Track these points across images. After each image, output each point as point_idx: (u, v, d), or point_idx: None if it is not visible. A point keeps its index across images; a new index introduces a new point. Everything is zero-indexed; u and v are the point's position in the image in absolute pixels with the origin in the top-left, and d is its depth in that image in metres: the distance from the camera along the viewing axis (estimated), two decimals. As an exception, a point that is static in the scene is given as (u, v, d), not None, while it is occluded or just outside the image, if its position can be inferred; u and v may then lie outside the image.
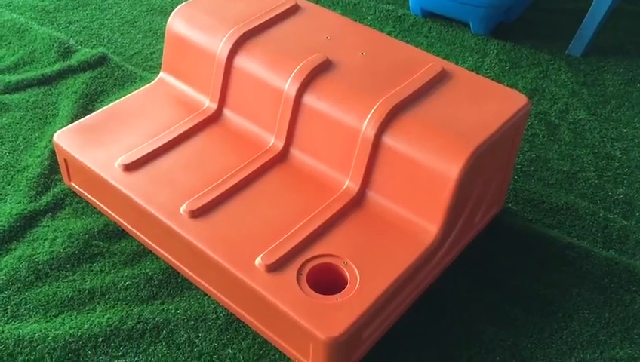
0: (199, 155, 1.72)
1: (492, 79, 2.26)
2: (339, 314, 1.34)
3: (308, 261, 1.45)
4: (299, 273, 1.42)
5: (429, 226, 1.50)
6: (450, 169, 1.45)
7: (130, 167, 1.67)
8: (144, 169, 1.68)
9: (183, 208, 1.56)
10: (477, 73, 2.29)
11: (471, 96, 1.61)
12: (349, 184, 1.60)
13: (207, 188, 1.61)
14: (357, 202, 1.58)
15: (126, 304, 1.54)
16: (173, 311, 1.53)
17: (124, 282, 1.59)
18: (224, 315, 1.52)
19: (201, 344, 1.46)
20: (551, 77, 2.33)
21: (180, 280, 1.60)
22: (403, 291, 1.47)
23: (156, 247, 1.64)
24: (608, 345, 1.49)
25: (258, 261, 1.43)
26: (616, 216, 1.81)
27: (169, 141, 1.74)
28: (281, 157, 1.70)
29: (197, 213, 1.55)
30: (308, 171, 1.66)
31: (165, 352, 1.45)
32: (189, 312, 1.52)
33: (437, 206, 1.48)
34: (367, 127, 1.56)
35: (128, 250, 1.67)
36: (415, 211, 1.52)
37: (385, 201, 1.56)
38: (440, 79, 1.65)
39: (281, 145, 1.71)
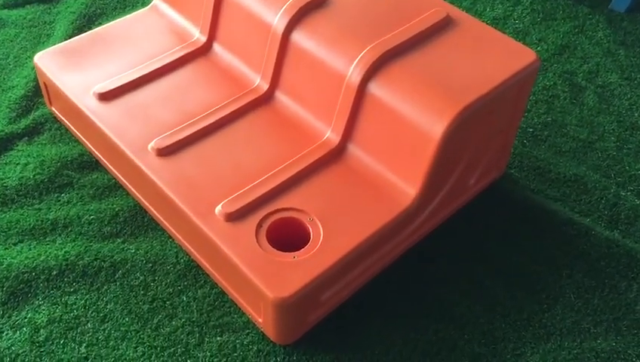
0: (180, 90, 1.62)
1: (519, 31, 2.08)
2: (293, 274, 1.25)
3: (271, 213, 1.35)
4: (259, 225, 1.33)
5: (407, 188, 1.37)
6: (433, 128, 1.31)
7: (105, 97, 1.59)
8: (120, 100, 1.59)
9: (151, 145, 1.47)
10: (505, 22, 2.12)
11: (473, 48, 1.45)
12: (330, 135, 1.48)
13: (181, 125, 1.52)
14: (336, 155, 1.46)
15: (87, 239, 1.48)
16: (133, 250, 1.46)
17: (89, 216, 1.53)
18: (184, 261, 1.45)
19: (155, 288, 1.40)
20: (586, 33, 2.11)
21: (145, 220, 1.53)
22: (372, 255, 1.36)
23: (125, 183, 1.57)
24: (591, 335, 1.36)
25: (218, 209, 1.34)
26: (629, 193, 1.64)
27: (151, 72, 1.65)
28: (265, 99, 1.59)
29: (164, 152, 1.46)
30: (290, 117, 1.54)
31: (118, 293, 1.39)
32: (149, 254, 1.46)
33: (417, 167, 1.35)
34: (353, 72, 1.42)
35: (99, 182, 1.61)
36: (395, 171, 1.39)
37: (365, 157, 1.43)
38: (442, 27, 1.49)
39: (266, 86, 1.59)
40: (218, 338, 1.33)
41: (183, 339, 1.32)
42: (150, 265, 1.44)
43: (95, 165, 1.65)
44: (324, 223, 1.34)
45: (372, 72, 1.41)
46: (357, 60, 1.43)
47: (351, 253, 1.29)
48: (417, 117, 1.34)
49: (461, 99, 1.33)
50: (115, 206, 1.56)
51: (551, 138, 1.77)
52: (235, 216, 1.34)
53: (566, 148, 1.75)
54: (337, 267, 1.28)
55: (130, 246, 1.47)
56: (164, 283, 1.41)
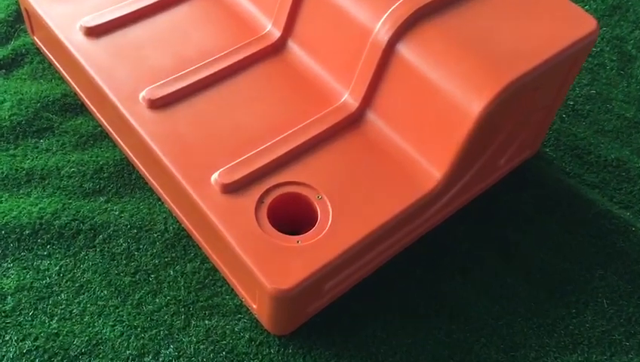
0: (179, 31, 1.41)
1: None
2: (295, 262, 1.09)
3: (274, 187, 1.18)
4: (260, 200, 1.16)
5: (432, 170, 1.20)
6: (470, 105, 1.12)
7: (92, 32, 1.38)
8: (109, 36, 1.39)
9: (142, 94, 1.28)
10: None
11: (523, 10, 1.24)
12: (348, 98, 1.29)
13: (178, 73, 1.32)
14: (352, 122, 1.28)
15: (65, 195, 1.32)
16: (117, 213, 1.30)
17: (69, 168, 1.36)
18: (174, 229, 1.29)
19: (140, 258, 1.25)
20: (641, -7, 1.88)
21: (133, 177, 1.36)
22: (384, 242, 1.20)
23: (112, 133, 1.40)
24: (623, 348, 1.22)
25: (214, 177, 1.17)
26: (676, 185, 1.47)
27: (146, 6, 1.44)
28: (276, 49, 1.39)
29: (157, 104, 1.28)
30: (303, 73, 1.35)
31: (97, 260, 1.24)
32: (134, 218, 1.30)
33: (447, 147, 1.17)
34: (380, 29, 1.22)
35: (83, 129, 1.43)
36: (420, 148, 1.21)
37: (385, 128, 1.25)
38: (489, -20, 1.27)
39: (277, 33, 1.39)
40: (206, 321, 1.18)
41: (166, 320, 1.18)
42: (135, 231, 1.28)
43: (80, 109, 1.46)
44: (334, 203, 1.17)
45: (403, 31, 1.20)
46: (386, 15, 1.22)
47: (362, 240, 1.13)
48: (452, 89, 1.14)
49: (506, 72, 1.13)
50: (99, 158, 1.38)
51: (593, 114, 1.58)
52: (234, 188, 1.16)
53: (609, 127, 1.56)
54: (346, 256, 1.12)
55: (114, 208, 1.31)
56: (149, 253, 1.26)
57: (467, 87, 1.13)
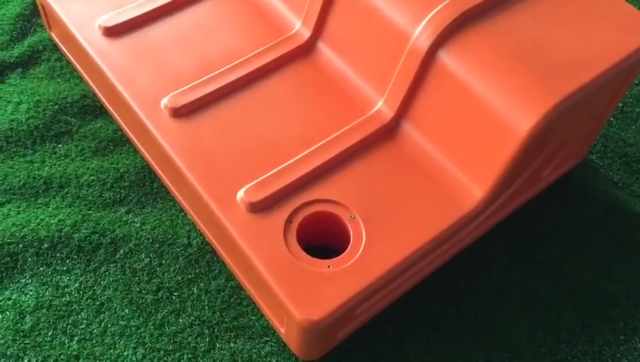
0: (202, 31, 1.33)
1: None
2: (326, 290, 1.02)
3: (303, 206, 1.10)
4: (289, 220, 1.09)
5: (473, 188, 1.11)
6: (519, 123, 1.03)
7: (111, 32, 1.31)
8: (129, 37, 1.31)
9: (164, 102, 1.21)
10: None
11: (577, 16, 1.13)
12: (382, 107, 1.20)
13: (201, 78, 1.25)
14: (387, 133, 1.19)
15: (85, 205, 1.26)
16: (138, 225, 1.24)
17: (89, 176, 1.30)
18: (197, 243, 1.23)
19: (162, 274, 1.19)
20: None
21: (155, 186, 1.30)
22: (419, 264, 1.13)
23: (133, 138, 1.33)
24: (673, 379, 1.15)
25: (240, 195, 1.10)
26: None
27: (169, 2, 1.35)
28: (305, 50, 1.30)
29: (181, 112, 1.20)
30: (333, 76, 1.26)
31: (119, 276, 1.19)
32: (156, 231, 1.24)
33: (490, 165, 1.09)
34: (420, 34, 1.13)
35: (102, 134, 1.36)
36: (460, 164, 1.13)
37: (423, 141, 1.17)
38: (540, -20, 1.17)
39: (307, 34, 1.30)
40: (232, 344, 1.13)
41: (190, 343, 1.12)
42: (157, 245, 1.22)
43: (99, 111, 1.40)
44: (368, 223, 1.09)
45: (445, 37, 1.11)
46: (427, 19, 1.13)
47: (398, 265, 1.06)
48: (498, 104, 1.06)
49: (558, 87, 1.04)
50: (120, 165, 1.32)
51: (643, 117, 1.48)
52: (261, 207, 1.10)
53: (660, 132, 1.46)
54: (380, 282, 1.05)
55: (136, 219, 1.25)
56: (172, 269, 1.20)
57: (515, 103, 1.04)
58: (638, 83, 1.53)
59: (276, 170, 1.13)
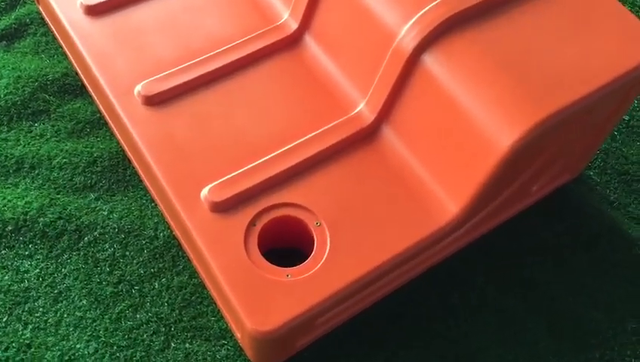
0: (186, 15, 1.28)
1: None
2: (281, 301, 0.98)
3: (269, 209, 1.06)
4: (252, 223, 1.04)
5: (449, 203, 1.05)
6: (499, 138, 0.97)
7: (93, 10, 1.26)
8: (112, 17, 1.27)
9: (138, 88, 1.17)
10: None
11: (575, 25, 1.05)
12: (364, 109, 1.14)
13: (181, 65, 1.20)
14: (366, 137, 1.13)
15: (54, 188, 1.23)
16: (106, 213, 1.21)
17: (62, 158, 1.27)
18: (164, 236, 1.20)
19: (125, 266, 1.16)
20: None
21: (128, 173, 1.27)
22: (387, 277, 1.07)
23: (110, 123, 1.29)
24: (648, 418, 1.08)
25: (204, 193, 1.06)
26: None
27: (155, -17, 1.31)
28: (291, 42, 1.24)
29: (154, 100, 1.16)
30: (318, 72, 1.20)
31: (80, 266, 1.16)
32: (124, 220, 1.20)
33: (468, 180, 1.02)
34: (406, 34, 1.06)
35: (80, 115, 1.33)
36: (437, 176, 1.07)
37: (402, 148, 1.10)
38: (539, -16, 1.09)
39: (294, 25, 1.24)
40: (187, 344, 1.09)
41: (145, 340, 1.09)
42: (123, 235, 1.19)
43: (80, 91, 1.36)
44: (334, 231, 1.04)
45: (432, 39, 1.04)
46: (415, 19, 1.06)
47: (361, 279, 1.01)
48: (480, 115, 0.99)
49: (544, 103, 0.96)
50: (94, 149, 1.28)
51: (650, 133, 1.39)
52: (224, 207, 1.05)
53: (667, 151, 1.37)
54: (340, 295, 1.00)
55: (104, 207, 1.22)
56: (135, 261, 1.17)
57: (498, 117, 0.97)
58: (649, 96, 1.44)
59: (245, 168, 1.08)
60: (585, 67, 1.00)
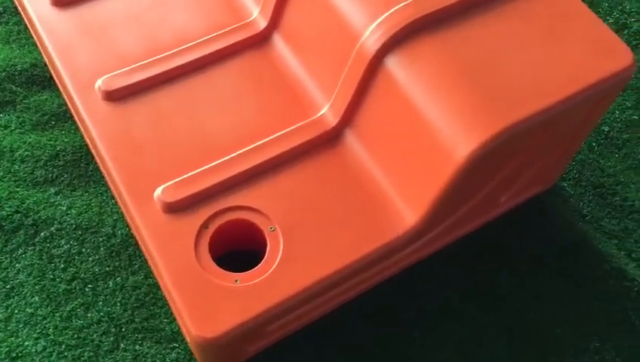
0: (159, 8, 1.25)
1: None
2: (228, 307, 0.95)
3: (223, 211, 1.03)
4: (204, 225, 1.02)
5: (407, 213, 1.02)
6: (456, 147, 0.94)
7: (60, 2, 1.24)
8: (79, 9, 1.24)
9: (99, 83, 1.14)
10: None
11: (543, 34, 1.01)
12: (327, 112, 1.11)
13: (144, 60, 1.17)
14: (328, 141, 1.10)
15: (14, 181, 1.21)
16: (64, 208, 1.19)
17: (24, 150, 1.25)
18: (122, 234, 1.18)
19: (80, 264, 1.14)
20: None
21: (91, 168, 1.25)
22: (342, 285, 1.05)
23: (75, 116, 1.27)
24: None
25: (157, 193, 1.04)
26: None
27: (125, -25, 1.28)
28: (259, 41, 1.21)
29: (114, 96, 1.14)
30: (285, 72, 1.17)
31: (34, 261, 1.14)
32: (82, 217, 1.18)
33: (426, 190, 0.99)
34: (370, 36, 1.03)
35: (46, 107, 1.31)
36: (396, 184, 1.04)
37: (364, 154, 1.08)
38: (509, -10, 1.05)
39: (263, 23, 1.21)
40: (137, 346, 1.07)
41: (94, 340, 1.08)
42: (80, 232, 1.17)
43: (47, 82, 1.34)
44: (288, 237, 1.02)
45: (395, 42, 1.01)
46: (379, 21, 1.02)
47: (311, 287, 0.98)
48: (439, 123, 0.96)
49: (504, 114, 0.93)
50: (57, 142, 1.26)
51: (630, 145, 1.35)
52: (177, 208, 1.03)
53: (646, 164, 1.33)
54: (290, 303, 0.98)
55: (63, 202, 1.20)
56: (91, 259, 1.15)
57: (456, 126, 0.94)
58: (631, 106, 1.40)
59: (201, 169, 1.06)
60: (550, 78, 0.97)
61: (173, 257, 0.99)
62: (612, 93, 1.03)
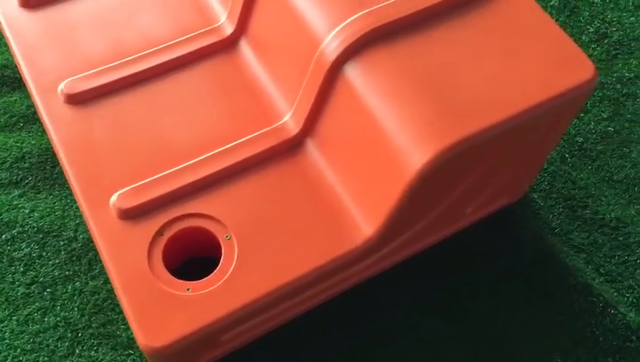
0: (127, 11, 1.24)
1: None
2: (177, 316, 0.94)
3: (179, 218, 1.02)
4: (159, 233, 1.01)
5: (364, 225, 1.01)
6: (410, 158, 0.92)
7: (28, 2, 1.23)
8: (47, 10, 1.24)
9: (61, 86, 1.14)
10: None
11: (505, 45, 0.99)
12: (289, 120, 1.10)
13: (110, 64, 1.17)
14: (289, 150, 1.09)
15: (-22, 183, 1.22)
16: (27, 211, 1.19)
17: (-10, 153, 1.25)
18: (84, 239, 1.17)
19: (40, 268, 1.14)
20: None
21: (56, 171, 1.24)
22: (297, 296, 1.04)
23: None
24: None
25: (113, 199, 1.03)
26: (682, 262, 1.22)
27: (94, -22, 1.27)
28: (226, 46, 1.20)
29: (76, 99, 1.13)
30: (250, 79, 1.16)
31: (-5, 264, 1.14)
32: (44, 220, 1.18)
33: (382, 202, 0.98)
34: (330, 42, 1.01)
35: (16, 108, 1.30)
36: (354, 195, 1.02)
37: (323, 164, 1.06)
38: (472, 1, 1.03)
39: (230, 29, 1.20)
40: (92, 352, 1.07)
41: (50, 345, 1.07)
42: (41, 235, 1.17)
43: (18, 83, 1.34)
44: (243, 246, 1.00)
45: (355, 50, 1.00)
46: (340, 28, 1.01)
47: (264, 297, 0.97)
48: (395, 134, 0.94)
49: (462, 124, 0.92)
50: (24, 144, 1.26)
51: (604, 157, 1.33)
52: (132, 215, 1.02)
53: (619, 177, 1.31)
54: (242, 313, 0.97)
55: (26, 205, 1.19)
56: (51, 262, 1.14)
57: (410, 137, 0.93)
58: (607, 118, 1.38)
59: (159, 175, 1.05)
60: (508, 90, 0.95)
61: (125, 264, 0.98)
62: (574, 105, 1.01)
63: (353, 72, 0.99)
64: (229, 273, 0.98)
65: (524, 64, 0.97)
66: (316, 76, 1.04)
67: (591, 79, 0.97)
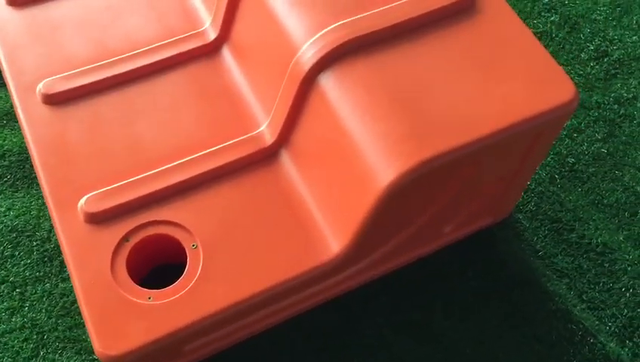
0: (112, 13, 1.23)
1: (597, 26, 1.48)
2: (136, 325, 0.93)
3: (145, 225, 1.01)
4: (124, 238, 1.00)
5: (331, 240, 0.98)
6: (378, 174, 0.90)
7: (15, 1, 1.23)
8: (33, 9, 1.23)
9: (40, 86, 1.13)
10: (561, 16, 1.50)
11: (484, 63, 0.96)
12: (265, 129, 1.08)
13: (88, 66, 1.16)
14: (264, 159, 1.07)
15: (-43, 180, 1.22)
16: (3, 209, 1.18)
17: (-29, 150, 1.25)
18: (56, 241, 1.16)
19: (11, 267, 1.13)
20: None
21: (34, 171, 1.24)
22: (262, 310, 1.02)
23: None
24: None
25: (81, 203, 1.02)
26: (669, 292, 1.18)
27: (82, -22, 1.27)
28: (209, 52, 1.19)
29: (54, 100, 1.12)
30: (230, 86, 1.15)
31: (-33, 261, 1.14)
32: (19, 219, 1.17)
33: (350, 219, 0.96)
34: (305, 52, 0.99)
35: (0, 106, 1.31)
36: (324, 210, 1.00)
37: (296, 175, 1.04)
38: (454, 14, 1.00)
39: (214, 34, 1.18)
40: (57, 356, 1.06)
41: (14, 346, 1.06)
42: (15, 234, 1.16)
43: (2, 82, 1.33)
44: (209, 255, 0.99)
45: (329, 61, 0.98)
46: (315, 38, 0.99)
47: (225, 309, 0.95)
48: (364, 149, 0.92)
49: (431, 143, 0.89)
50: (6, 142, 1.26)
51: (595, 179, 1.29)
52: (99, 219, 1.01)
53: (610, 201, 1.27)
54: (203, 324, 0.95)
55: (3, 203, 1.19)
56: (23, 263, 1.14)
57: (380, 153, 0.90)
58: (601, 139, 1.34)
59: (130, 180, 1.04)
60: (483, 109, 0.92)
61: (88, 268, 0.97)
62: (553, 127, 0.98)
63: (327, 83, 0.97)
64: (193, 283, 0.97)
65: (501, 82, 0.94)
66: (291, 85, 1.02)
67: (571, 100, 0.94)
